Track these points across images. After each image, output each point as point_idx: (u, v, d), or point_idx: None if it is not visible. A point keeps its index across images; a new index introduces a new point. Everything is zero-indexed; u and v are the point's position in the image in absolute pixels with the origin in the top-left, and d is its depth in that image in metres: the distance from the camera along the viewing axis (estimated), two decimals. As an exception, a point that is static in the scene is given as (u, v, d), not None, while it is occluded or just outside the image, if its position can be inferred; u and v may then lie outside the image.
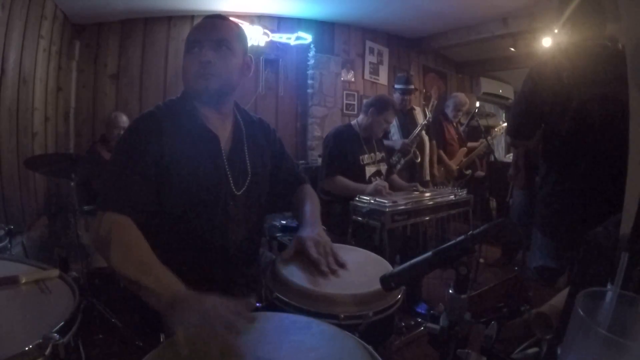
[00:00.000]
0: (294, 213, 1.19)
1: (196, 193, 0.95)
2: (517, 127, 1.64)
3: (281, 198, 1.19)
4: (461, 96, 3.55)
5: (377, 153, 2.32)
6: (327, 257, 0.90)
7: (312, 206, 1.12)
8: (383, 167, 2.34)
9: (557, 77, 1.42)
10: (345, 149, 2.18)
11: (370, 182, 2.19)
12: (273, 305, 0.76)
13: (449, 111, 3.53)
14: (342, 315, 0.71)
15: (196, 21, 3.38)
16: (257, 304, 0.85)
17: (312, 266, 0.88)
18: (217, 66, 0.93)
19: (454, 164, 3.41)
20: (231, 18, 1.05)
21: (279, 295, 0.75)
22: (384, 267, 0.92)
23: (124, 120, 2.77)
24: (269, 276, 0.83)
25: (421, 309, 2.19)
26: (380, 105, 2.22)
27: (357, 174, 2.18)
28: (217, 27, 0.97)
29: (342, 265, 0.90)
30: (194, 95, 0.99)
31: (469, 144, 3.59)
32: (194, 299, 0.66)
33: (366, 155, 2.24)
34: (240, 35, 1.02)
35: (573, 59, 1.41)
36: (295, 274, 0.80)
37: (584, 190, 1.42)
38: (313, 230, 0.99)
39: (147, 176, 0.89)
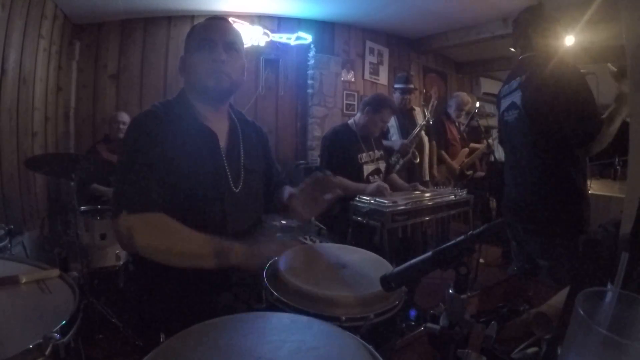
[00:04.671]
0: (277, 205, 1.22)
1: (196, 190, 0.96)
2: None
3: (268, 201, 1.23)
4: (463, 95, 3.53)
5: (376, 151, 2.31)
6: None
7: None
8: (382, 165, 2.34)
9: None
10: (343, 148, 2.18)
11: (368, 180, 2.18)
12: (273, 307, 0.76)
13: (452, 111, 3.51)
14: (344, 317, 0.70)
15: (196, 21, 3.42)
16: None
17: (312, 267, 0.88)
18: (228, 66, 0.98)
19: (455, 164, 3.40)
20: (231, 18, 1.08)
21: (279, 296, 0.75)
22: (386, 268, 0.92)
23: (125, 116, 2.80)
24: (269, 277, 0.83)
25: (411, 313, 2.17)
26: (376, 104, 2.21)
27: (355, 173, 2.17)
28: (228, 29, 1.03)
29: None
30: (201, 91, 1.01)
31: (471, 145, 3.58)
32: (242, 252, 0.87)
33: (364, 154, 2.24)
34: (242, 39, 1.08)
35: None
36: (295, 275, 0.80)
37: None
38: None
39: (157, 171, 0.90)
